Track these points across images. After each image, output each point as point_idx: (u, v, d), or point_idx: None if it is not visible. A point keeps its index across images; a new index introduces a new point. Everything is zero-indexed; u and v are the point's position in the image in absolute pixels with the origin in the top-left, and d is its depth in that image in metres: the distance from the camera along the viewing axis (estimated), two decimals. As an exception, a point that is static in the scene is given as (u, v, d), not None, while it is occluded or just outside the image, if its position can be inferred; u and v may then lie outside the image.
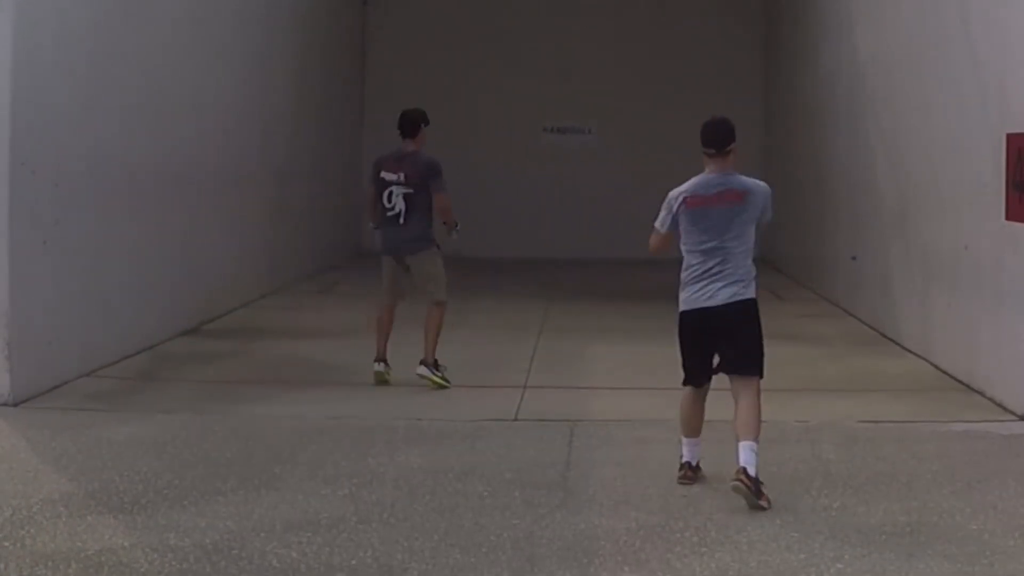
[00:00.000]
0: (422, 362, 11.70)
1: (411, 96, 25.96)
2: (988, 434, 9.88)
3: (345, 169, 25.09)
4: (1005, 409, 10.58)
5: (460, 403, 11.03)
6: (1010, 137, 10.55)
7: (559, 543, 7.08)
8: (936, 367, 12.50)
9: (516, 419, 10.39)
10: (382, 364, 11.86)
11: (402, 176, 11.73)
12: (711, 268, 8.26)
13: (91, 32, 11.83)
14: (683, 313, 8.40)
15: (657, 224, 8.54)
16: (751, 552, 6.95)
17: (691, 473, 8.34)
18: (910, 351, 13.44)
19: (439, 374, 11.71)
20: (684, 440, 8.41)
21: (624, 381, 12.08)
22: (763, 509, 7.73)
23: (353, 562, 6.74)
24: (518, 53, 26.01)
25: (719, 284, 8.23)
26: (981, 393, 11.19)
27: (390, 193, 11.72)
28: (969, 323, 11.63)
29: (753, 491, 7.77)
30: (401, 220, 11.70)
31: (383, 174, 11.81)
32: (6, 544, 6.93)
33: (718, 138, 8.44)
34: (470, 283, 17.85)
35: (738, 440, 7.97)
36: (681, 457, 8.39)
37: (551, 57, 25.95)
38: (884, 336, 14.57)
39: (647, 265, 23.30)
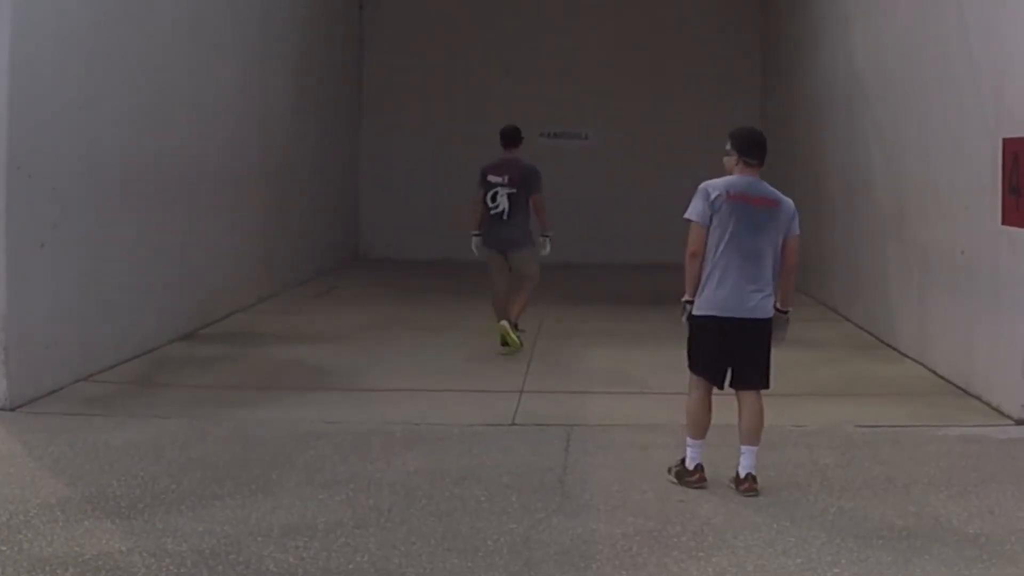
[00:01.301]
0: (506, 319, 13.71)
1: (408, 99, 26.14)
2: (985, 438, 9.89)
3: (344, 172, 25.10)
4: (1002, 413, 10.59)
5: (457, 407, 11.04)
6: (1006, 141, 10.55)
7: (556, 547, 7.09)
8: (933, 371, 12.50)
9: (513, 423, 10.39)
10: (506, 322, 13.72)
11: (506, 179, 13.68)
12: (747, 272, 8.24)
13: (89, 34, 11.83)
14: (709, 317, 8.30)
15: (695, 217, 8.30)
16: (748, 556, 6.95)
17: (703, 476, 8.31)
18: (907, 355, 13.45)
19: (515, 334, 13.66)
20: (693, 442, 8.34)
21: (620, 385, 12.07)
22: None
23: (350, 566, 6.74)
24: (514, 57, 26.01)
25: (756, 294, 8.26)
26: (978, 397, 11.19)
27: (495, 194, 13.67)
28: (966, 327, 11.64)
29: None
30: (505, 217, 13.66)
31: (489, 177, 13.76)
32: (3, 548, 6.93)
33: (763, 151, 8.41)
34: (467, 286, 17.85)
35: (744, 444, 8.19)
36: (687, 460, 8.33)
37: (548, 61, 25.94)
38: (881, 340, 14.57)
39: (644, 269, 23.39)
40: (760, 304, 8.26)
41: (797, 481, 8.52)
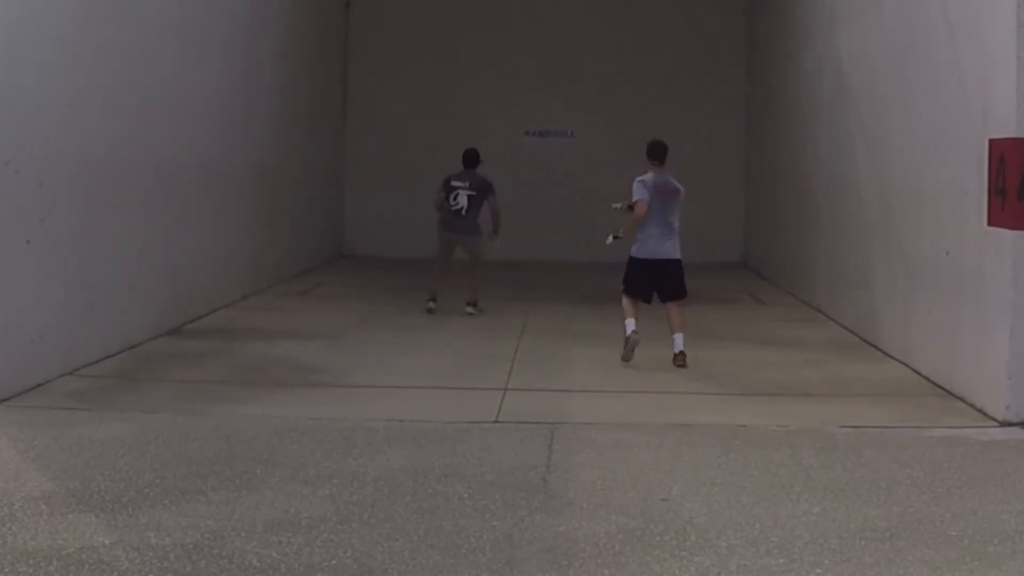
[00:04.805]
0: (467, 303, 16.91)
1: (393, 97, 26.13)
2: (968, 440, 9.90)
3: (329, 169, 25.08)
4: (986, 415, 10.60)
5: (441, 404, 11.04)
6: (992, 142, 10.56)
7: (539, 546, 7.09)
8: (917, 372, 12.53)
9: (497, 421, 10.39)
10: (433, 302, 16.86)
11: (467, 184, 16.86)
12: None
13: (75, 31, 11.80)
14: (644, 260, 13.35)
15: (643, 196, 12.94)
16: (731, 556, 6.96)
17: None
18: (891, 356, 13.48)
19: (478, 310, 16.90)
20: (630, 321, 12.97)
21: (604, 384, 12.08)
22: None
23: (333, 562, 6.74)
24: (499, 56, 26.04)
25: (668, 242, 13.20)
26: (962, 399, 11.21)
27: (456, 195, 16.79)
28: (950, 329, 11.66)
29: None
30: (463, 213, 16.79)
31: (452, 182, 16.93)
32: (-14, 542, 6.93)
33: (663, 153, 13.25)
34: (451, 285, 17.83)
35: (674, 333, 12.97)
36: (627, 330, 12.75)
37: (532, 59, 25.99)
38: (865, 341, 14.60)
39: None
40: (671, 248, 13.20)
41: (780, 481, 8.53)
